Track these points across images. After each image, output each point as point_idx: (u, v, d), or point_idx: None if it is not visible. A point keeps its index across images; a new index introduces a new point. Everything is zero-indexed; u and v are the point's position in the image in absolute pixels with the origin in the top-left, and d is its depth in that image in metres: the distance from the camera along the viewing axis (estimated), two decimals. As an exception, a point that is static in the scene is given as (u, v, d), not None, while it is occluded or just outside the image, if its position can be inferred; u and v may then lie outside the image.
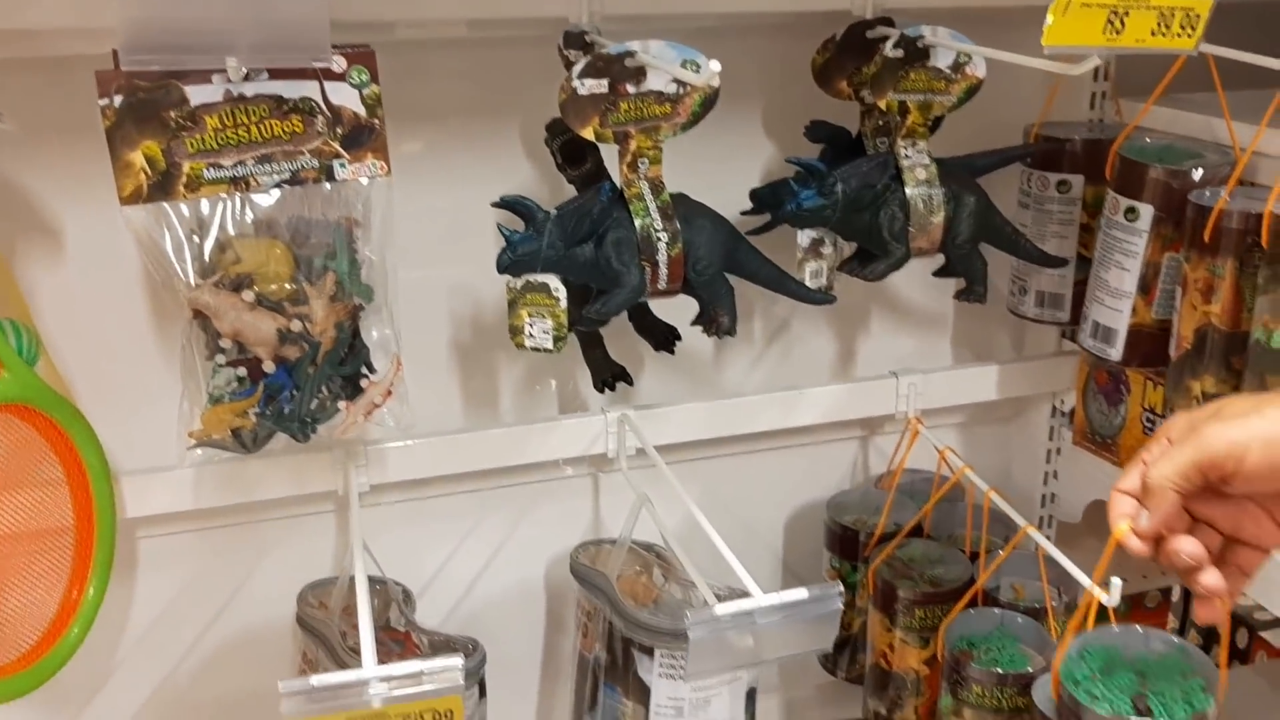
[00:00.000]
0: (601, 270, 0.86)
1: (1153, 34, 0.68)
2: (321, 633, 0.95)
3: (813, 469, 1.19)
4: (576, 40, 0.88)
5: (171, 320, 0.89)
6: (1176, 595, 1.76)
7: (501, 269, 0.85)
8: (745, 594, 0.78)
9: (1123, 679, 0.87)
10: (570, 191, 0.93)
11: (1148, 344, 0.96)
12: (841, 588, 0.78)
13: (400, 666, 0.71)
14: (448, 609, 1.11)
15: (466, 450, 1.02)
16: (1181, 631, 1.91)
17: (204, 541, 1.01)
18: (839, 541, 1.12)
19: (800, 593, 0.77)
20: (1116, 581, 0.88)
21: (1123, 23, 0.67)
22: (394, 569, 1.01)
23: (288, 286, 0.78)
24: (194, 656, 1.05)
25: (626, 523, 1.01)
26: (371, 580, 0.97)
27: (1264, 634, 1.69)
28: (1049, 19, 0.68)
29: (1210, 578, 0.64)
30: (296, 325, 0.75)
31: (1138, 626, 0.90)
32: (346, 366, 0.77)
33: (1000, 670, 0.94)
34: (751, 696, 0.99)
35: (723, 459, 1.15)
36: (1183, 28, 0.68)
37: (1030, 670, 0.94)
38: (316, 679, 0.69)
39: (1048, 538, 1.22)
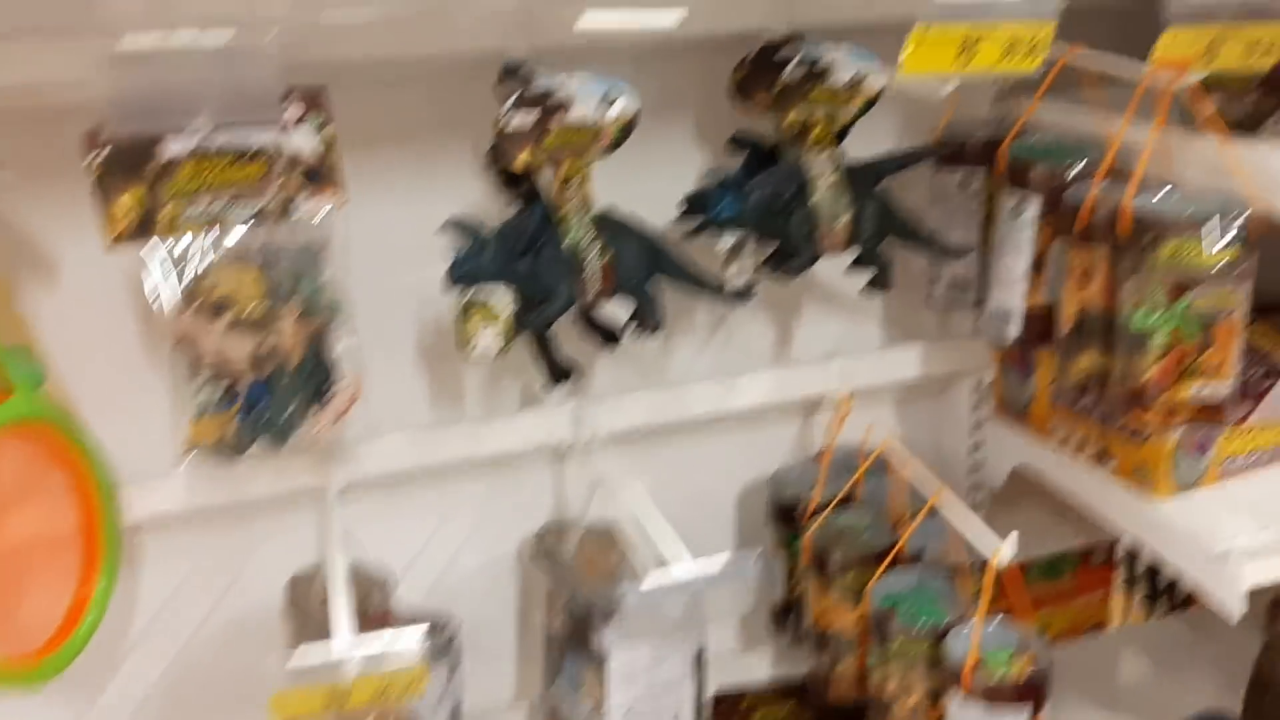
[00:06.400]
0: (538, 283, 0.97)
1: (1000, 59, 0.77)
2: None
3: (758, 448, 1.30)
4: (513, 72, 0.97)
5: (159, 340, 1.00)
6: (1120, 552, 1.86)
7: (448, 283, 0.95)
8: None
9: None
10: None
11: (1040, 325, 1.06)
12: (759, 553, 0.89)
13: (366, 648, 0.82)
14: (427, 589, 1.22)
15: (434, 443, 1.13)
16: (1131, 582, 2.01)
17: (199, 540, 1.12)
18: (779, 514, 1.22)
19: (716, 563, 0.88)
20: (1013, 535, 0.98)
21: (973, 51, 0.77)
22: (375, 555, 1.11)
23: (260, 308, 0.88)
24: (194, 646, 1.15)
25: (584, 508, 1.12)
26: (354, 567, 1.08)
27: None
28: (906, 49, 0.77)
29: None
30: (269, 343, 0.85)
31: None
32: (315, 379, 0.88)
33: (914, 626, 1.04)
34: (699, 658, 1.10)
35: (675, 442, 1.25)
36: (1026, 54, 0.77)
37: (941, 625, 1.04)
38: (291, 665, 0.80)
39: (979, 503, 1.33)
